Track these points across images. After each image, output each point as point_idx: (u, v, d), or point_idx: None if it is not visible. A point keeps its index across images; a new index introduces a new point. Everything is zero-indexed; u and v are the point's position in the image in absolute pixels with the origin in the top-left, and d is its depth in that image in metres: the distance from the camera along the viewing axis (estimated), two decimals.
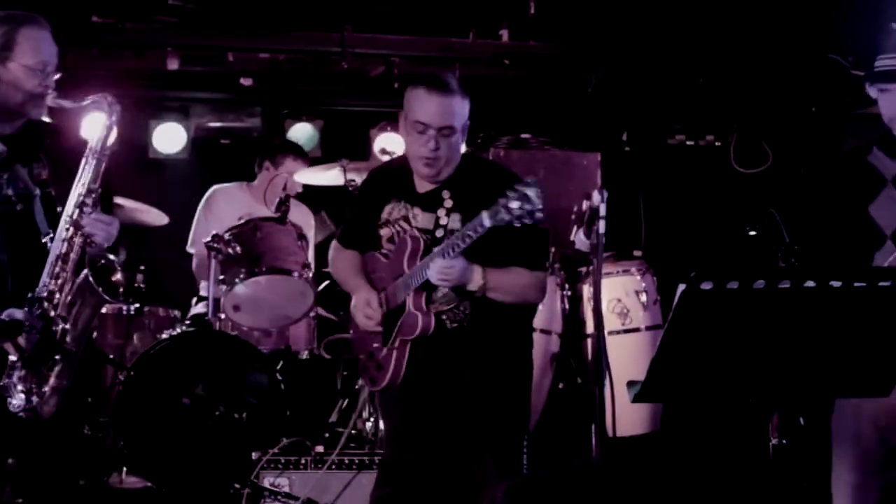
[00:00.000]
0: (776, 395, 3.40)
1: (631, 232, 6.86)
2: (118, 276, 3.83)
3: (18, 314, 3.66)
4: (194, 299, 6.33)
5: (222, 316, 5.81)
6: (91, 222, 3.78)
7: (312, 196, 6.63)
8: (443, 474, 4.10)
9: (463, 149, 4.15)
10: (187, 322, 6.01)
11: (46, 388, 3.72)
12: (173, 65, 7.04)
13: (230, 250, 5.77)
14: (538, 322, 5.69)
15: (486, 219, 3.72)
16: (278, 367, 5.72)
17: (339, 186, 5.96)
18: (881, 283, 3.12)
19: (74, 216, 3.77)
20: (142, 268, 6.16)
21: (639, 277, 5.97)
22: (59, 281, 3.74)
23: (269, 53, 7.28)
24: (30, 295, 3.69)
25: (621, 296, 5.90)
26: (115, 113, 3.87)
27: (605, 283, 5.65)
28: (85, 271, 3.74)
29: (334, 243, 4.39)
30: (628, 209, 7.06)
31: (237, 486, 5.26)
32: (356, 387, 5.75)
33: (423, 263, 3.91)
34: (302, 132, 7.60)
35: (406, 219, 4.07)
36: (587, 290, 5.90)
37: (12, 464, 3.76)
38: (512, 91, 7.35)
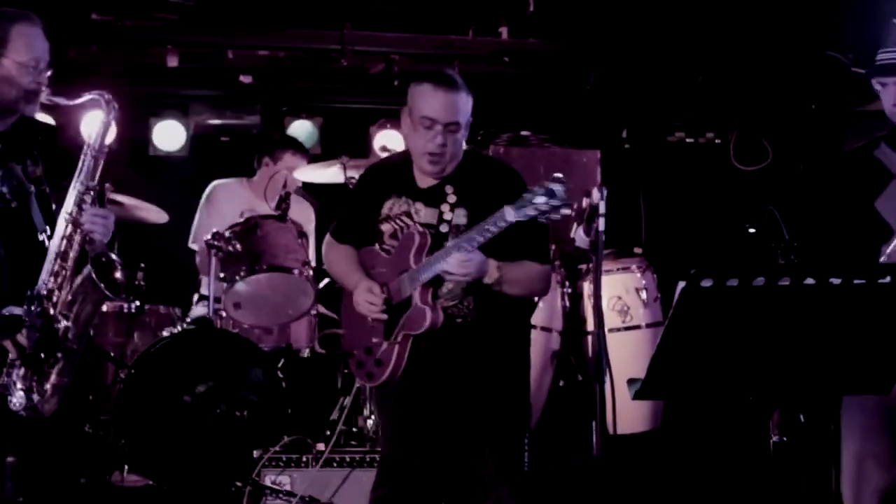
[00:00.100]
0: (776, 392, 3.39)
1: (631, 229, 6.87)
2: (119, 274, 3.83)
3: (17, 311, 3.66)
4: (195, 297, 6.33)
5: (223, 314, 5.81)
6: (90, 219, 3.77)
7: (312, 193, 6.63)
8: (444, 471, 4.09)
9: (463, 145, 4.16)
10: (188, 321, 6.01)
11: (48, 386, 3.72)
12: (173, 62, 7.05)
13: (230, 248, 5.78)
14: (539, 320, 5.70)
15: (509, 213, 3.71)
16: (279, 365, 5.72)
17: (339, 184, 5.96)
18: (881, 280, 3.12)
19: (74, 214, 3.78)
20: (142, 265, 6.16)
21: (639, 275, 5.98)
22: (59, 279, 3.74)
23: (268, 51, 7.28)
24: (29, 293, 3.69)
25: (622, 293, 5.91)
26: (112, 110, 3.87)
27: (606, 281, 5.66)
28: (88, 268, 3.74)
29: (328, 238, 4.35)
30: (628, 206, 7.07)
31: (238, 484, 5.26)
32: (357, 384, 5.75)
33: (433, 258, 3.90)
34: (301, 129, 7.59)
35: (408, 214, 4.05)
36: (587, 288, 5.90)
37: (13, 462, 3.76)
38: (511, 88, 7.35)
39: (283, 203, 5.96)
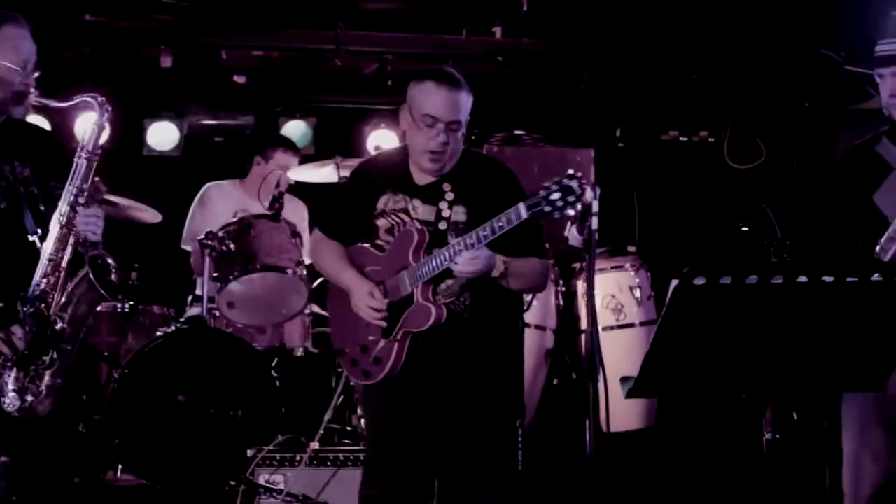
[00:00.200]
0: (769, 390, 3.40)
1: (625, 228, 6.86)
2: (114, 276, 3.83)
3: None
4: (189, 298, 6.33)
5: (217, 313, 5.81)
6: (83, 220, 3.77)
7: (306, 193, 6.62)
8: (438, 468, 4.09)
9: None
10: (182, 321, 6.01)
11: (42, 387, 3.72)
12: (166, 63, 7.05)
13: (224, 248, 5.78)
14: (533, 318, 5.71)
15: (523, 210, 3.73)
16: (273, 365, 5.72)
17: (333, 183, 5.97)
18: (873, 278, 3.13)
19: (68, 216, 3.77)
20: (136, 265, 6.15)
21: (633, 273, 5.99)
22: (53, 280, 3.74)
23: (262, 51, 7.28)
24: (22, 294, 3.69)
25: (615, 291, 5.92)
26: (105, 112, 3.87)
27: (599, 279, 5.67)
28: (85, 269, 3.74)
29: (316, 233, 4.28)
30: (622, 205, 7.06)
31: (232, 483, 5.26)
32: (351, 383, 5.74)
33: (436, 254, 3.88)
34: (295, 129, 7.58)
35: (405, 210, 4.04)
36: (581, 286, 5.91)
37: (6, 461, 3.76)
38: (505, 88, 7.35)
39: (277, 203, 5.95)
